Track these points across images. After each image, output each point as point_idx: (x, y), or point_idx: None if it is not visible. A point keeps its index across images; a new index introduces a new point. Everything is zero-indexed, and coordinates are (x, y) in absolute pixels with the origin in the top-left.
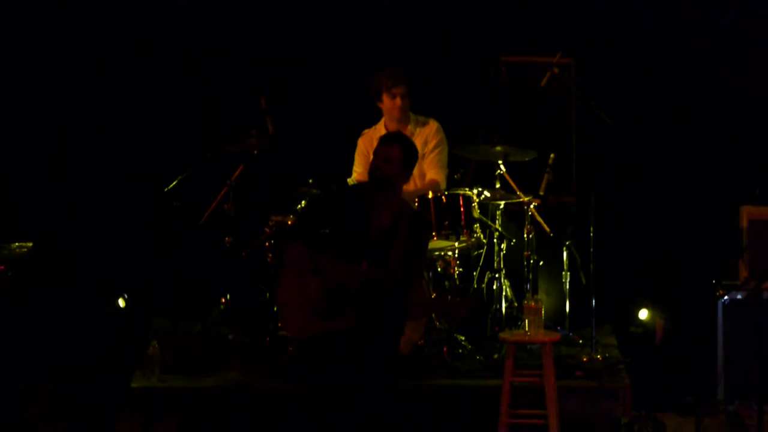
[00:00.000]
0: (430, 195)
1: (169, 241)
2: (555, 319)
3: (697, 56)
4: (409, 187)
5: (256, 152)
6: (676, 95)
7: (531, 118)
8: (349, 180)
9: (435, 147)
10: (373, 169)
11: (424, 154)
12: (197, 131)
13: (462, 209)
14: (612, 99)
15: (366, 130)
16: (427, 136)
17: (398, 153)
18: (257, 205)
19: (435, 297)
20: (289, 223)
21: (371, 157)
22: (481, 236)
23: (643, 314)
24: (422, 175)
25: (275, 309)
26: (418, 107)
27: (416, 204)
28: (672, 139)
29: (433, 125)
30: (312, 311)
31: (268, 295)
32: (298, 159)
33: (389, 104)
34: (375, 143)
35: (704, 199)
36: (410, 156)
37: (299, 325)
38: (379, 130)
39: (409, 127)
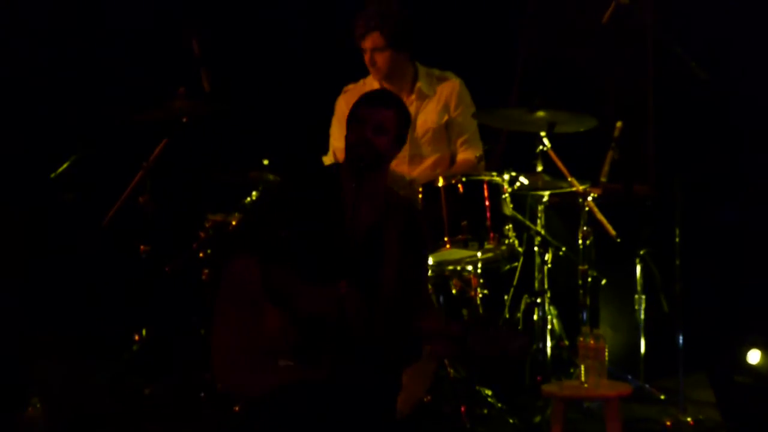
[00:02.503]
0: (441, 182)
1: (57, 250)
2: (624, 363)
3: None
4: (429, 168)
5: (185, 120)
6: None
7: (587, 71)
8: (324, 159)
9: (463, 111)
10: (357, 142)
11: (447, 123)
12: (99, 92)
13: (487, 203)
14: (704, 44)
15: (350, 86)
16: (448, 98)
17: (393, 118)
18: (187, 199)
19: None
20: (233, 224)
21: None
22: (516, 243)
23: (755, 357)
24: (443, 155)
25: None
26: (427, 60)
27: (420, 195)
28: None
29: (455, 82)
30: (266, 357)
31: (203, 331)
32: (247, 130)
33: (366, 61)
34: None
35: None
36: (406, 123)
37: (245, 377)
38: (370, 85)
39: (419, 85)
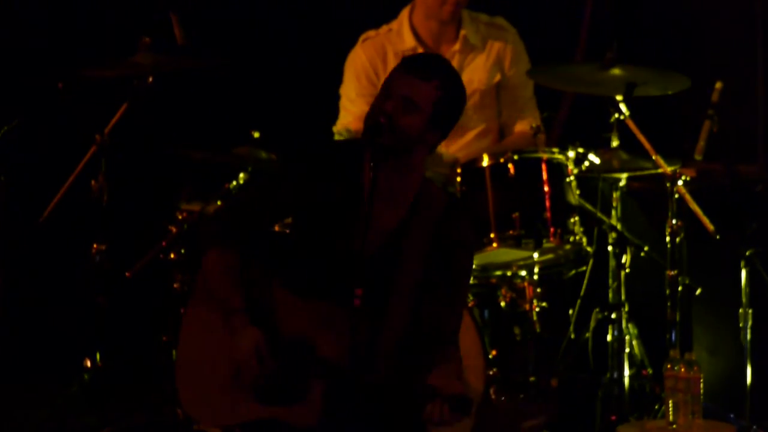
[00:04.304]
0: (486, 161)
1: None
2: (725, 397)
3: None
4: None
5: (150, 79)
6: None
7: (675, 17)
8: (335, 129)
9: (519, 70)
10: (378, 113)
11: (498, 85)
12: (36, 42)
13: (546, 189)
14: None
15: (370, 33)
16: (500, 52)
17: (431, 94)
18: (153, 183)
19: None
20: (215, 209)
21: (380, 85)
22: (584, 241)
23: None
24: (490, 126)
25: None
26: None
27: (459, 181)
28: None
29: (509, 32)
30: (242, 387)
31: (174, 352)
32: (231, 93)
33: None
34: (390, 59)
35: None
36: (451, 103)
37: (217, 409)
38: (398, 33)
39: (464, 32)
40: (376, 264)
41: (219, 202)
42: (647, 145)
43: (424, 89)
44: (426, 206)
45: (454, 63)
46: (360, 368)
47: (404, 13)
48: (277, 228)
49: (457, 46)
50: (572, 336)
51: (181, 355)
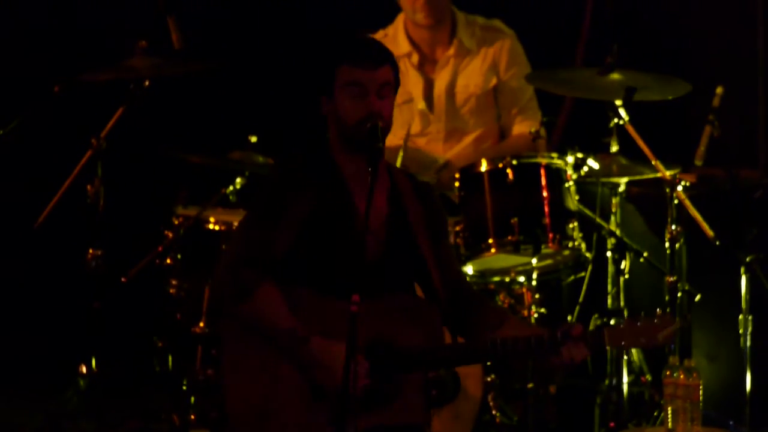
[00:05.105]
0: (484, 166)
1: None
2: (725, 404)
3: None
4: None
5: (147, 84)
6: None
7: (676, 21)
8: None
9: (517, 73)
10: (372, 115)
11: (495, 88)
12: (33, 46)
13: (545, 194)
14: None
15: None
16: (496, 55)
17: (391, 73)
18: (150, 188)
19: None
20: (212, 221)
21: None
22: (583, 246)
23: None
24: (488, 130)
25: (185, 388)
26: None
27: (457, 182)
28: None
29: (505, 35)
30: (319, 410)
31: (170, 357)
32: (228, 97)
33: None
34: None
35: None
36: (398, 76)
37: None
38: (394, 38)
39: (460, 34)
40: (388, 251)
41: (217, 208)
42: (647, 151)
43: (388, 72)
44: (402, 187)
45: (449, 67)
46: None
47: (400, 18)
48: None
49: (452, 51)
50: None
51: (235, 404)
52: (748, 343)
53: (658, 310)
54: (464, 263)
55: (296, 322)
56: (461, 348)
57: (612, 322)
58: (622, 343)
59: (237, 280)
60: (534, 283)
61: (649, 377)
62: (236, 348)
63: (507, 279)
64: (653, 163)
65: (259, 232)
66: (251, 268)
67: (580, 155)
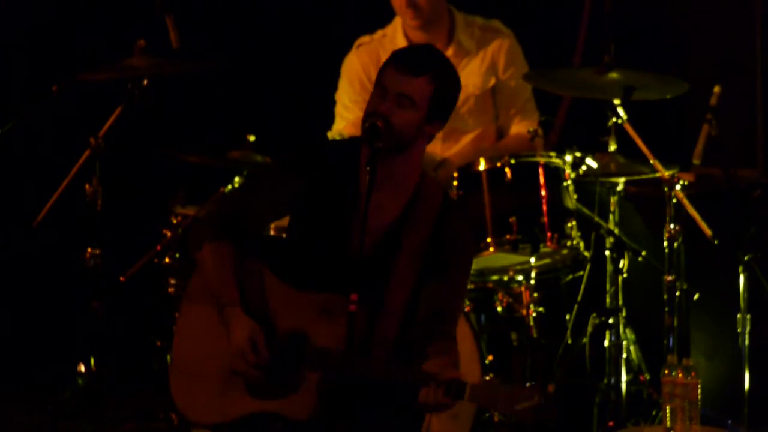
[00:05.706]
0: (482, 165)
1: None
2: (723, 403)
3: None
4: (466, 147)
5: (145, 83)
6: None
7: (673, 20)
8: (330, 135)
9: (515, 73)
10: (374, 114)
11: (493, 89)
12: (31, 45)
13: (543, 193)
14: None
15: (364, 39)
16: (495, 55)
17: (425, 88)
18: (148, 187)
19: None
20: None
21: (371, 88)
22: (581, 245)
23: None
24: (486, 130)
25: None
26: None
27: (456, 181)
28: None
29: (504, 35)
30: (236, 382)
31: (169, 357)
32: (226, 96)
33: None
34: (382, 61)
35: None
36: (446, 94)
37: (210, 407)
38: (392, 39)
39: (458, 35)
40: (375, 255)
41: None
42: (645, 150)
43: (417, 85)
44: (426, 197)
45: None
46: (356, 357)
47: (398, 18)
48: (272, 230)
49: (450, 51)
50: (569, 341)
51: (175, 354)
52: (747, 342)
53: (528, 384)
54: None
55: (232, 286)
56: (359, 361)
57: (487, 378)
58: (480, 401)
59: (197, 231)
60: (532, 282)
61: (647, 376)
62: (193, 308)
63: (505, 278)
64: (651, 162)
65: (238, 196)
66: (213, 223)
67: (578, 154)
